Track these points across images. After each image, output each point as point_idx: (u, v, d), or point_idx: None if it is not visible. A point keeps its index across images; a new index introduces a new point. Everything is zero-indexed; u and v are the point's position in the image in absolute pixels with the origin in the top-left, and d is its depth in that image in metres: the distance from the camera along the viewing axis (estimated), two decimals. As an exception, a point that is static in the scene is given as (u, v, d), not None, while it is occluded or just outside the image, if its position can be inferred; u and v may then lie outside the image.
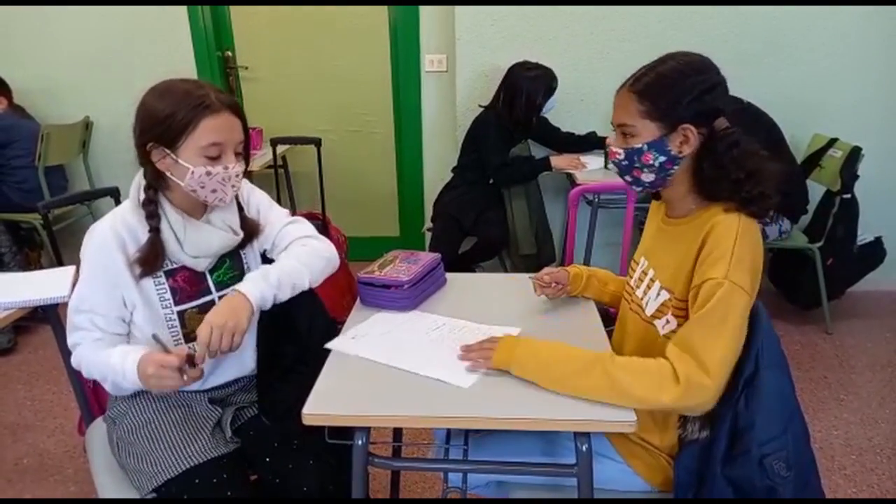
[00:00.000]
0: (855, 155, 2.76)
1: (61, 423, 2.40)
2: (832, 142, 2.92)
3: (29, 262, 3.36)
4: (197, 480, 1.22)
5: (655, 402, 1.06)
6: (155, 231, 1.24)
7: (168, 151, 1.20)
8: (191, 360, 1.17)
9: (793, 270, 2.95)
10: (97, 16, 3.39)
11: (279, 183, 3.21)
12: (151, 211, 1.24)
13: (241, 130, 1.26)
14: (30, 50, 3.47)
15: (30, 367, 2.80)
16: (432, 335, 1.32)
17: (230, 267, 1.38)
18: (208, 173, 1.21)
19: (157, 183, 1.25)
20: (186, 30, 3.45)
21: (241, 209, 1.39)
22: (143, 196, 1.25)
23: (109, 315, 1.26)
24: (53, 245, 2.10)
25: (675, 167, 1.17)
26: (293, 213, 3.62)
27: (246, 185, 1.44)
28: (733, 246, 1.08)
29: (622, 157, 1.19)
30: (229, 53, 3.64)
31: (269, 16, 3.54)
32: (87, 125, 3.48)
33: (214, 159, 1.21)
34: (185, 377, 1.16)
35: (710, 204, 1.17)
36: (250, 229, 1.39)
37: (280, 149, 3.18)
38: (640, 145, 1.15)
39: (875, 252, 2.98)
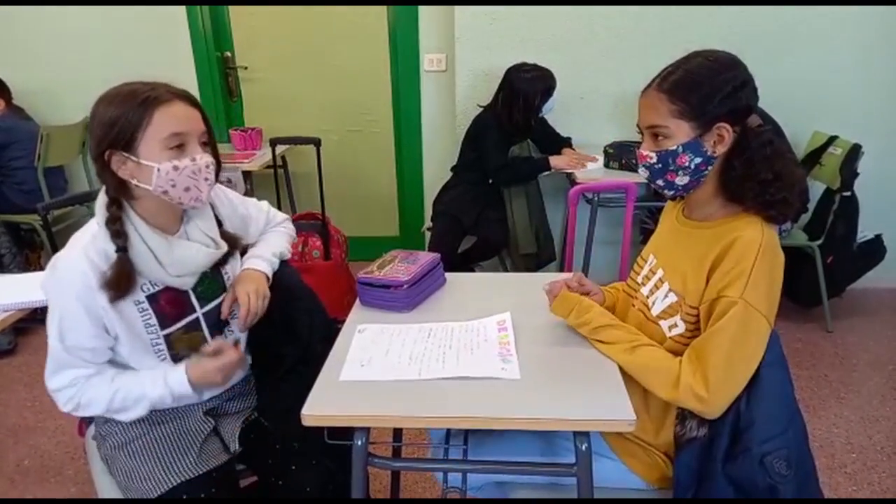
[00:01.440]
0: (854, 152, 2.75)
1: (62, 424, 2.40)
2: (832, 139, 2.92)
3: (29, 264, 3.36)
4: (184, 496, 1.21)
5: (657, 393, 1.14)
6: (122, 251, 1.15)
7: (127, 154, 1.12)
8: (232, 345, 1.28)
9: (793, 268, 2.93)
10: (97, 17, 3.39)
11: (279, 183, 3.20)
12: (116, 230, 1.14)
13: (202, 121, 1.19)
14: (29, 51, 3.47)
15: (30, 369, 2.80)
16: (435, 341, 1.29)
17: (211, 280, 1.32)
18: (175, 167, 1.13)
19: (120, 195, 1.16)
20: (186, 30, 3.46)
21: (219, 224, 1.34)
22: (106, 214, 1.15)
23: (97, 348, 1.19)
24: (53, 246, 2.10)
25: (709, 168, 1.14)
26: (293, 213, 3.63)
27: (220, 191, 1.40)
28: (753, 264, 1.06)
29: (654, 160, 1.15)
30: (228, 54, 3.63)
31: (268, 16, 3.54)
32: (86, 126, 3.46)
33: (179, 150, 1.14)
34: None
35: (734, 211, 1.14)
36: (231, 244, 1.34)
37: (279, 149, 3.18)
38: (674, 147, 1.12)
39: (875, 249, 2.98)
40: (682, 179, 1.15)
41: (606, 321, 1.23)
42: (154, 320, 1.23)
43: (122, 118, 1.10)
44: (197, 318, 1.30)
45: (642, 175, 1.21)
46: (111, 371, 1.24)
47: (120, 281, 1.14)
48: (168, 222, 1.23)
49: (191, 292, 1.29)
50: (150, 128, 1.11)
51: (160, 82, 1.17)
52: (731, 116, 1.10)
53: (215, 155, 1.22)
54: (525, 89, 2.80)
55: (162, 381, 1.22)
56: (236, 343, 1.29)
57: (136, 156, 1.12)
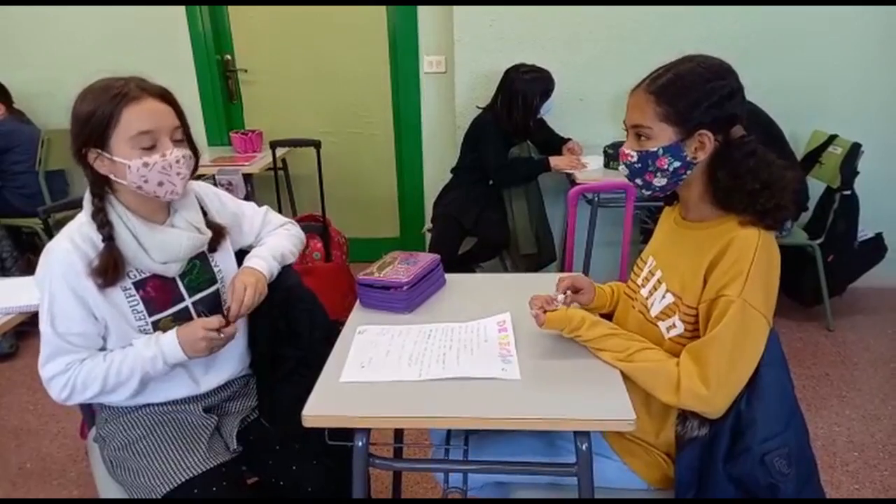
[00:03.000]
0: (854, 151, 2.75)
1: (64, 426, 2.41)
2: (832, 138, 2.92)
3: (30, 267, 3.35)
4: (195, 490, 1.22)
5: (659, 398, 1.14)
6: (109, 240, 1.19)
7: (101, 151, 1.16)
8: (225, 320, 1.28)
9: (793, 267, 2.94)
10: (97, 20, 3.41)
11: (279, 185, 3.21)
12: (101, 220, 1.19)
13: (174, 116, 1.21)
14: (30, 54, 3.48)
15: (32, 372, 2.78)
16: (435, 341, 1.30)
17: (200, 270, 1.35)
18: (146, 164, 1.15)
19: (101, 189, 1.21)
20: (186, 33, 3.47)
21: (204, 213, 1.36)
22: (91, 208, 1.21)
23: (87, 332, 1.21)
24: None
25: (688, 172, 1.14)
26: (294, 215, 3.63)
27: (209, 188, 1.44)
28: (751, 264, 1.06)
29: (635, 159, 1.16)
30: (229, 56, 3.64)
31: (268, 18, 3.55)
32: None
33: (149, 149, 1.16)
34: (223, 336, 1.26)
35: (727, 213, 1.14)
36: (216, 233, 1.36)
37: (280, 151, 3.19)
38: (655, 149, 1.13)
39: (876, 248, 2.97)
40: (659, 181, 1.16)
41: (597, 334, 1.21)
42: (141, 306, 1.25)
43: (94, 115, 1.15)
44: (186, 307, 1.32)
45: (622, 172, 1.22)
46: (103, 353, 1.25)
47: (108, 269, 1.18)
48: (152, 213, 1.26)
49: (179, 281, 1.31)
50: (120, 126, 1.15)
51: (135, 77, 1.20)
52: (715, 125, 1.10)
53: (192, 148, 1.25)
54: (524, 90, 2.81)
55: (154, 341, 1.24)
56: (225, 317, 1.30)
57: (109, 153, 1.16)
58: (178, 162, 1.20)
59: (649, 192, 1.21)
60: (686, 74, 1.11)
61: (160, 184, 1.19)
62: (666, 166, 1.13)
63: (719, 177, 1.12)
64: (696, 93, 1.09)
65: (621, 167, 1.21)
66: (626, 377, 1.16)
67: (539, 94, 2.83)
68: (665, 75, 1.13)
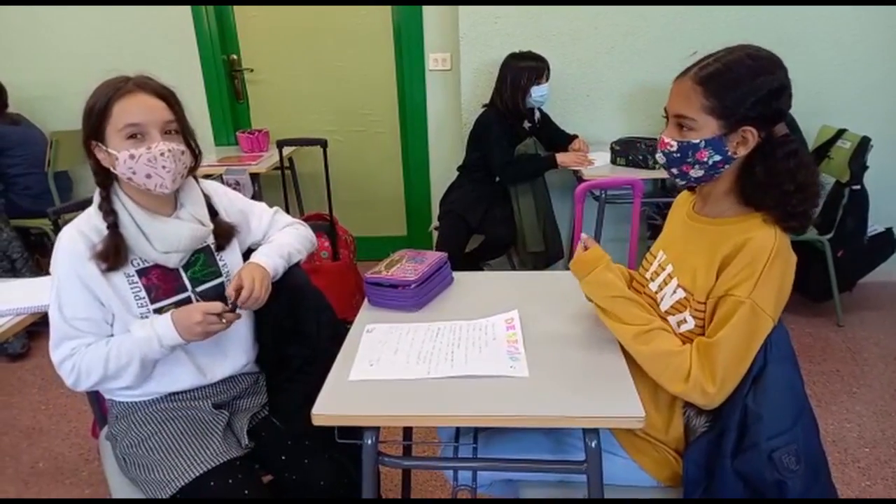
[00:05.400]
0: (864, 145, 2.74)
1: (75, 426, 2.43)
2: (840, 133, 2.90)
3: (40, 268, 3.38)
4: (212, 483, 1.22)
5: (664, 385, 1.14)
6: (113, 227, 1.24)
7: (99, 143, 1.22)
8: (227, 305, 1.28)
9: (803, 262, 2.91)
10: (102, 20, 3.42)
11: (286, 184, 3.21)
12: (106, 209, 1.25)
13: (167, 110, 1.23)
14: (34, 56, 3.49)
15: (43, 372, 2.82)
16: (443, 339, 1.30)
17: (204, 264, 1.36)
18: (132, 156, 1.19)
19: (105, 179, 1.26)
20: (192, 33, 3.47)
21: (214, 213, 1.38)
22: (98, 198, 1.27)
23: (92, 318, 1.25)
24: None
25: (726, 167, 1.13)
26: (301, 214, 3.63)
27: (219, 187, 1.46)
28: (764, 266, 1.06)
29: (675, 149, 1.14)
30: (234, 56, 3.65)
31: (273, 18, 3.55)
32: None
33: (137, 142, 1.20)
34: (224, 321, 1.26)
35: (748, 211, 1.13)
36: (225, 232, 1.39)
37: (286, 150, 3.19)
38: (697, 141, 1.11)
39: (886, 243, 2.96)
40: (696, 173, 1.15)
41: (623, 293, 1.20)
42: (143, 293, 1.28)
43: (93, 109, 1.21)
44: (189, 297, 1.33)
45: (659, 160, 1.20)
46: (107, 339, 1.27)
47: (109, 253, 1.22)
48: (158, 206, 1.30)
49: (182, 272, 1.33)
50: (111, 119, 1.20)
51: (139, 75, 1.25)
52: (760, 121, 1.09)
53: (189, 145, 1.28)
54: (515, 71, 2.84)
55: (149, 323, 1.25)
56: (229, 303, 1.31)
57: (105, 145, 1.21)
58: (162, 155, 1.21)
59: (683, 182, 1.20)
60: (735, 66, 1.09)
61: (148, 176, 1.21)
62: (706, 159, 1.12)
63: (756, 172, 1.10)
64: (743, 87, 1.08)
65: (658, 155, 1.20)
66: (633, 369, 1.15)
67: (528, 74, 2.83)
68: (713, 65, 1.10)
